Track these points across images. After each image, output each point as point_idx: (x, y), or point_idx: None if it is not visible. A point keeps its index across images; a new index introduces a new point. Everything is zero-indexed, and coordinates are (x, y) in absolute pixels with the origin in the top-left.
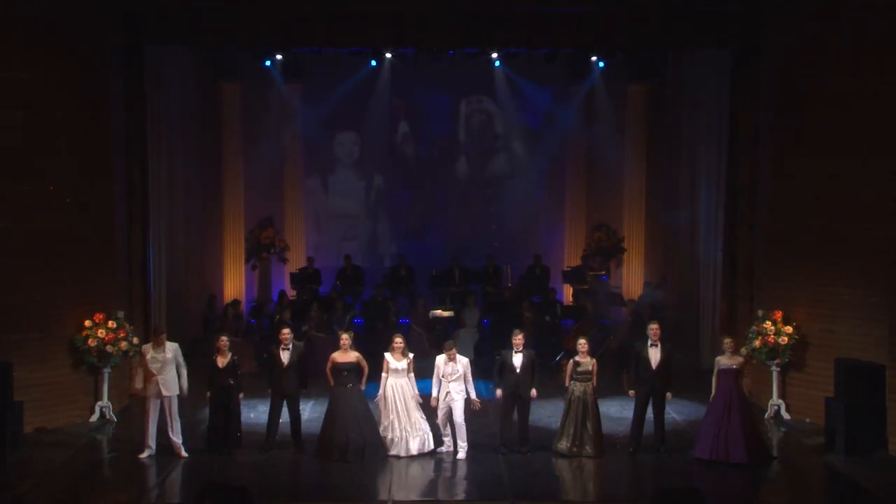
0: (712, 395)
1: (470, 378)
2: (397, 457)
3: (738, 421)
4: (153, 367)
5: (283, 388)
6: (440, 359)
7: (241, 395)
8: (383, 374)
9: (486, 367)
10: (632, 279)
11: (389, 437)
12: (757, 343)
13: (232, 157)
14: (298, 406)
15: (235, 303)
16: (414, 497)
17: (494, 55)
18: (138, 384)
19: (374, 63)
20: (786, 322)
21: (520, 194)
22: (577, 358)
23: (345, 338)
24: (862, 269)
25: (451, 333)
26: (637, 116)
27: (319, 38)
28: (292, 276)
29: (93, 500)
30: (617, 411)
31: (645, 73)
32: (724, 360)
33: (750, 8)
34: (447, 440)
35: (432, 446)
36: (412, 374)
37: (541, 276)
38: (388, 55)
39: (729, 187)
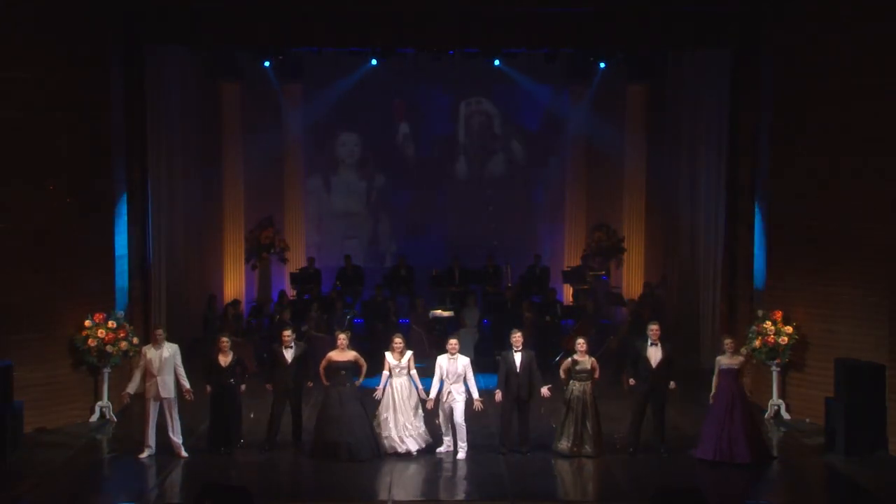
0: (712, 394)
1: (471, 377)
2: (392, 455)
3: (741, 421)
4: (153, 367)
5: (285, 387)
6: (442, 358)
7: (243, 388)
8: (384, 373)
9: (486, 367)
10: (632, 279)
11: (385, 435)
12: (757, 343)
13: (232, 157)
14: (300, 406)
15: (235, 303)
16: (414, 497)
17: (494, 55)
18: (130, 389)
19: (374, 62)
20: (786, 322)
21: (519, 194)
22: (575, 357)
23: (342, 337)
24: (862, 269)
25: (451, 333)
26: (637, 116)
27: (319, 38)
28: (292, 275)
29: (93, 500)
30: (617, 411)
31: (645, 73)
32: (724, 360)
33: (750, 8)
34: (447, 440)
35: (430, 444)
36: (414, 371)
37: (541, 276)
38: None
39: (729, 187)
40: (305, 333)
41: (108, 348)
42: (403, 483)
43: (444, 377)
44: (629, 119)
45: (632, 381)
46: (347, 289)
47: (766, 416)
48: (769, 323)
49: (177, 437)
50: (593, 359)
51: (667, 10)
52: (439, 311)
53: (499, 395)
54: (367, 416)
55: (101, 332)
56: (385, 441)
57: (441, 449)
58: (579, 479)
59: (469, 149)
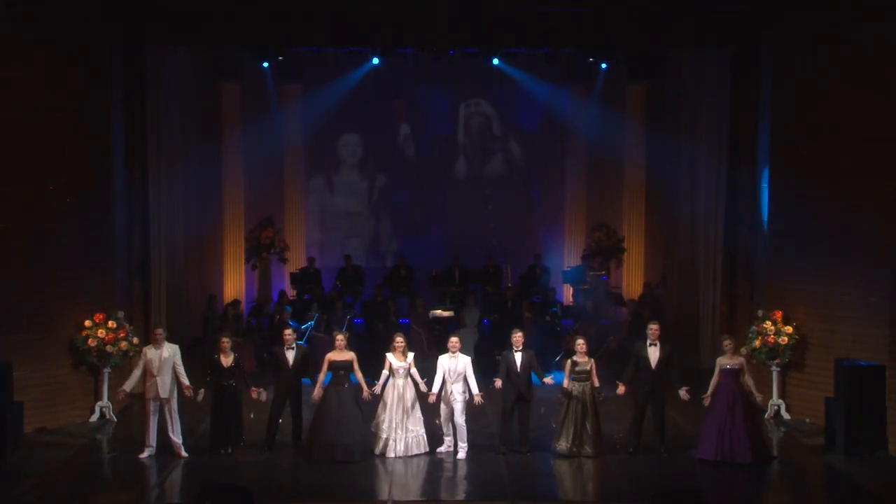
0: (707, 393)
1: (471, 375)
2: (387, 457)
3: (742, 420)
4: (153, 367)
5: (286, 388)
6: (443, 357)
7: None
8: (384, 371)
9: (487, 367)
10: (632, 279)
11: (382, 436)
12: (757, 343)
13: (232, 158)
14: (300, 406)
15: (235, 303)
16: (414, 497)
17: (494, 55)
18: (127, 387)
19: (376, 61)
20: (786, 322)
21: (519, 194)
22: (575, 357)
23: (340, 338)
24: (862, 269)
25: (451, 333)
26: (637, 116)
27: (319, 38)
28: (292, 275)
29: (93, 500)
30: (617, 411)
31: (645, 73)
32: (724, 361)
33: (750, 8)
34: (447, 440)
35: (426, 448)
36: (414, 369)
37: (541, 276)
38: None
39: (729, 187)
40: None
41: (108, 348)
42: (403, 483)
43: (445, 375)
44: (629, 119)
45: (621, 390)
46: (347, 289)
47: (766, 416)
48: (769, 323)
49: (177, 437)
50: (592, 360)
51: (667, 10)
52: (439, 311)
53: (498, 383)
54: (364, 417)
55: (101, 332)
56: (382, 442)
57: (441, 449)
58: (579, 479)
59: (468, 149)
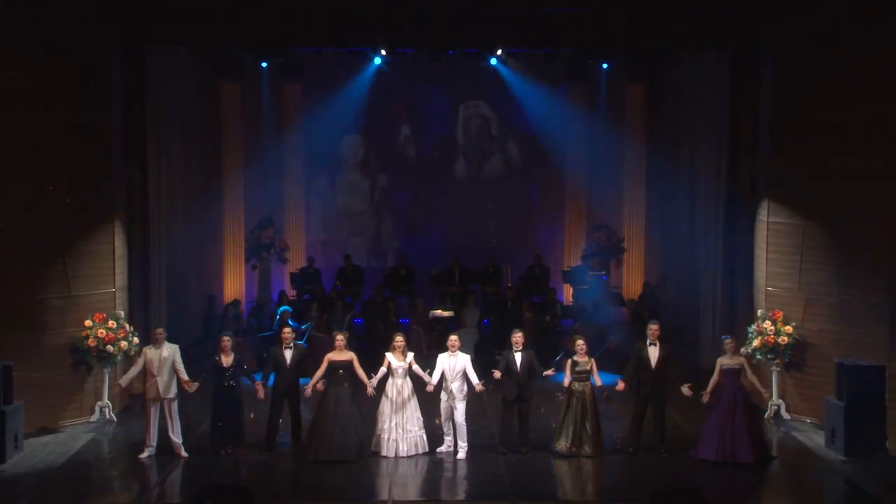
0: (706, 392)
1: (472, 370)
2: (386, 457)
3: (743, 420)
4: (153, 367)
5: (286, 387)
6: (443, 356)
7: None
8: (382, 368)
9: (486, 367)
10: (632, 279)
11: (382, 436)
12: (757, 343)
13: (232, 157)
14: (300, 406)
15: (235, 303)
16: (414, 497)
17: (494, 55)
18: (123, 381)
19: (378, 60)
20: (786, 322)
21: (519, 194)
22: (575, 357)
23: (339, 338)
24: (862, 269)
25: (451, 333)
26: (637, 116)
27: (319, 38)
28: (292, 276)
29: (93, 500)
30: (617, 411)
31: (645, 73)
32: (725, 361)
33: (750, 8)
34: (448, 440)
35: (425, 449)
36: (417, 367)
37: (541, 276)
38: (389, 55)
39: (729, 187)
40: (306, 333)
41: (109, 348)
42: (403, 483)
43: (445, 373)
44: (629, 119)
45: (620, 387)
46: (347, 289)
47: (766, 416)
48: (769, 323)
49: (177, 437)
50: (592, 360)
51: (667, 10)
52: (439, 311)
53: (497, 374)
54: (362, 418)
55: (101, 332)
56: (382, 442)
57: (441, 449)
58: (579, 479)
59: (468, 150)
